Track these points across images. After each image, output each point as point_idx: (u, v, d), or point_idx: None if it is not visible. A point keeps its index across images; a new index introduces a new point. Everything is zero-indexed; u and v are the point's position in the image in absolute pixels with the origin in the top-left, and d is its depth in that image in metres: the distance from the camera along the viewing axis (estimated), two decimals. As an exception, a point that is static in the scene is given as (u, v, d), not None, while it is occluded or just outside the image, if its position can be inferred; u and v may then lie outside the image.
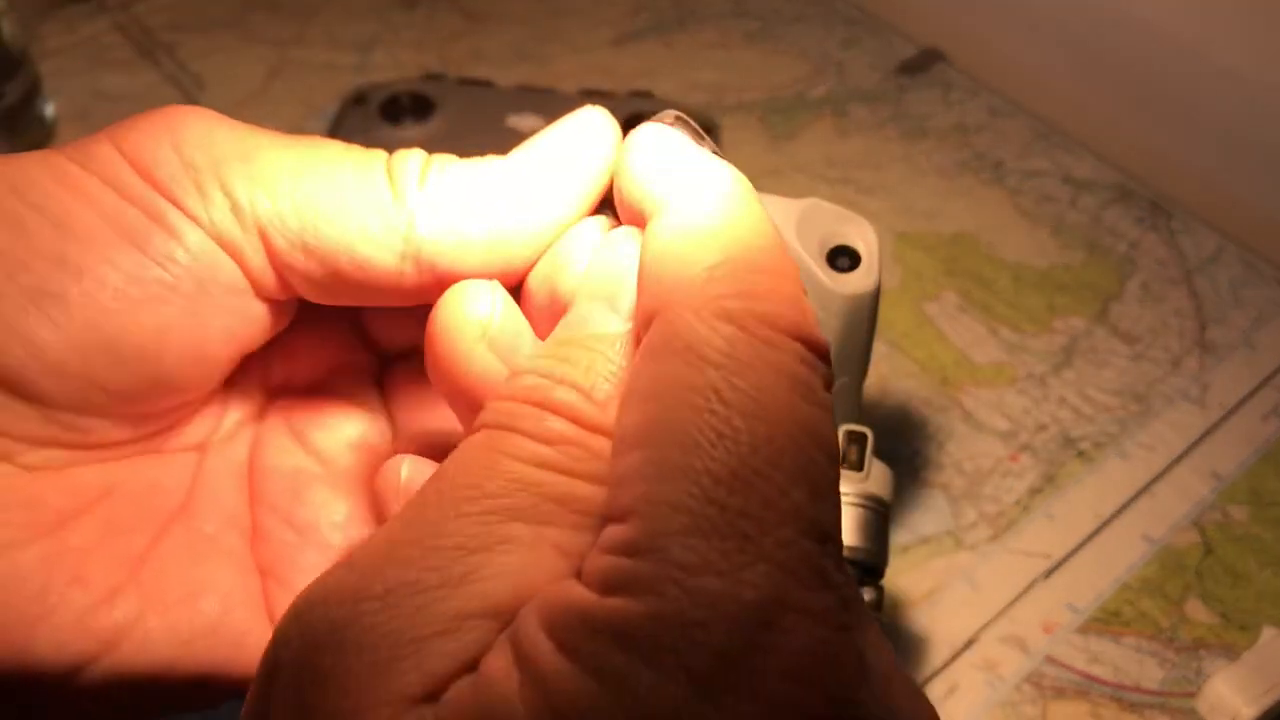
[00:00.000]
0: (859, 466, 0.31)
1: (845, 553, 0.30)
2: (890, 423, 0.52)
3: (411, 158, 0.23)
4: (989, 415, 0.53)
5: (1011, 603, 0.46)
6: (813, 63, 0.70)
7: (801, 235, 0.29)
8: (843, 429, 0.31)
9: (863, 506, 0.31)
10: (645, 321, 0.19)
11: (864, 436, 0.31)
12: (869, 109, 0.67)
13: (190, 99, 0.66)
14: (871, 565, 0.30)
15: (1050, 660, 0.45)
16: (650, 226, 0.20)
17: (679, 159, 0.21)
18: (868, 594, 0.30)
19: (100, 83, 0.67)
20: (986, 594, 0.47)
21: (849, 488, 0.31)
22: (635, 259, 0.20)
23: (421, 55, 0.70)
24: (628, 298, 0.20)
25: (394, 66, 0.69)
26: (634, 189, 0.21)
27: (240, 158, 0.22)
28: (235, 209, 0.22)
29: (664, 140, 0.22)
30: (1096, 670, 0.44)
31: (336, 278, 0.23)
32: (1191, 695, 0.44)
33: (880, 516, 0.31)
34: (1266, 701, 0.42)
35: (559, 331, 0.21)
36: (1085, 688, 0.44)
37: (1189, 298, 0.57)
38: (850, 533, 0.30)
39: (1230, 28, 0.62)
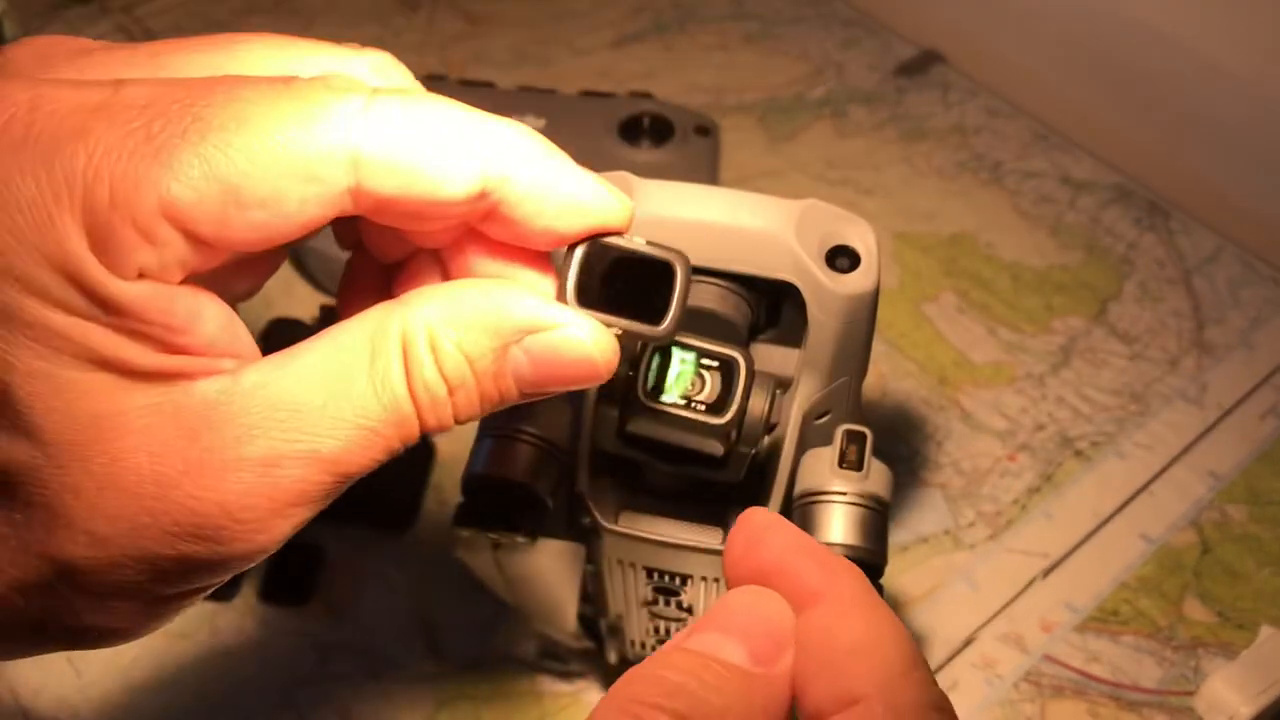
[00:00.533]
0: (858, 466, 0.31)
1: (845, 552, 0.30)
2: (889, 422, 0.52)
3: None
4: (987, 415, 0.53)
5: (1010, 602, 0.47)
6: (812, 64, 0.70)
7: (800, 236, 0.29)
8: (842, 429, 0.32)
9: (862, 506, 0.31)
10: (837, 699, 0.20)
11: (863, 436, 0.31)
12: (868, 110, 0.67)
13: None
14: (871, 564, 0.31)
15: (1048, 659, 0.45)
16: (828, 616, 0.21)
17: (808, 544, 0.22)
18: None
19: (103, 85, 0.68)
20: (985, 593, 0.47)
21: (848, 487, 0.31)
22: (777, 616, 0.21)
23: (423, 58, 0.70)
24: (758, 646, 0.21)
25: (395, 68, 0.69)
26: (780, 571, 0.22)
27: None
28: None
29: (781, 524, 0.23)
30: (1095, 669, 0.45)
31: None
32: (1190, 694, 0.44)
33: (879, 516, 0.31)
34: (1264, 700, 0.42)
35: (688, 646, 0.21)
36: (1083, 686, 0.44)
37: (1187, 298, 0.58)
38: (849, 532, 0.30)
39: (1228, 29, 0.62)
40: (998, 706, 0.44)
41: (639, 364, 0.29)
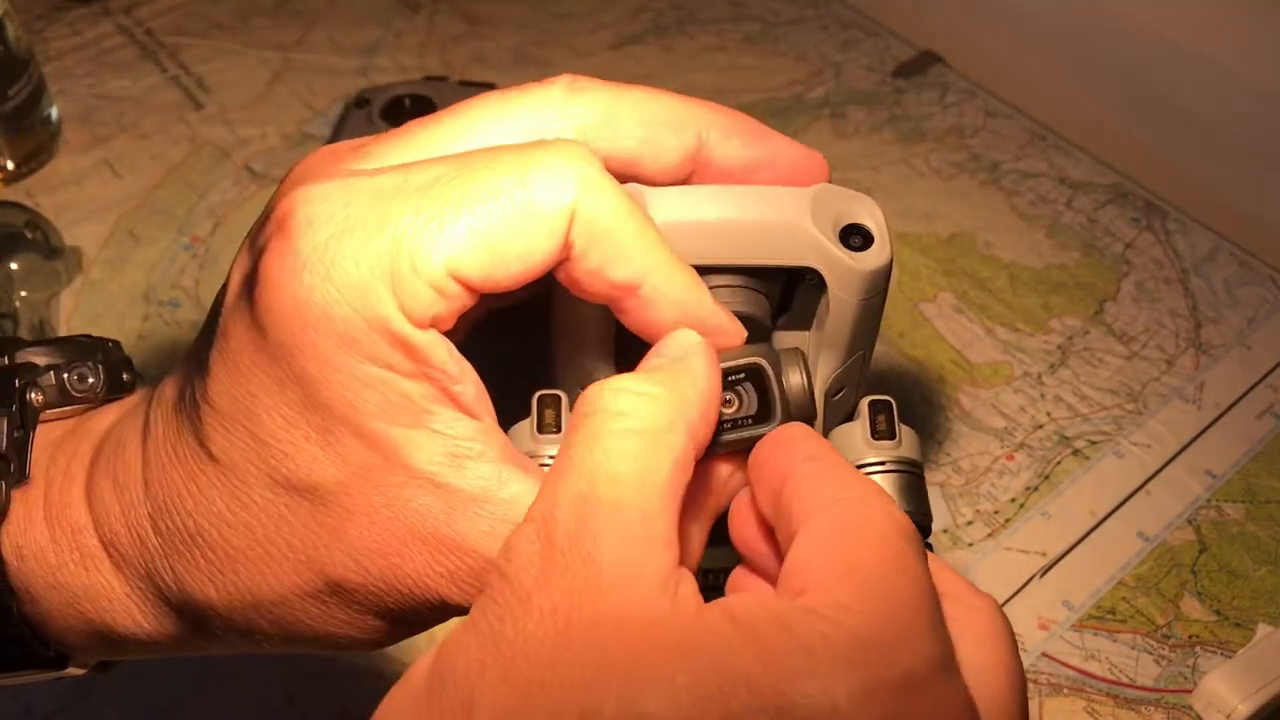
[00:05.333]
0: (890, 434, 0.31)
1: None
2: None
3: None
4: (985, 414, 0.53)
5: (1007, 600, 0.47)
6: (811, 65, 0.70)
7: (817, 220, 0.30)
8: (866, 400, 0.32)
9: (901, 472, 0.31)
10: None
11: (889, 404, 0.32)
12: (866, 111, 0.67)
13: (194, 102, 0.67)
14: (919, 525, 0.31)
15: (1046, 657, 0.45)
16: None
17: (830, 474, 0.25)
18: None
19: (104, 85, 0.68)
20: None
21: (884, 455, 0.31)
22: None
23: (423, 59, 0.70)
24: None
25: (396, 70, 0.69)
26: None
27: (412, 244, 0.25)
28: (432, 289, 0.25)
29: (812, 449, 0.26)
30: (1092, 667, 0.45)
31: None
32: (1187, 692, 0.44)
33: (917, 478, 0.31)
34: (1261, 698, 0.43)
35: None
36: (1081, 684, 0.44)
37: (1184, 297, 0.58)
38: (896, 499, 0.31)
39: (1225, 30, 0.63)
40: (996, 704, 0.44)
41: None
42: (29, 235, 0.56)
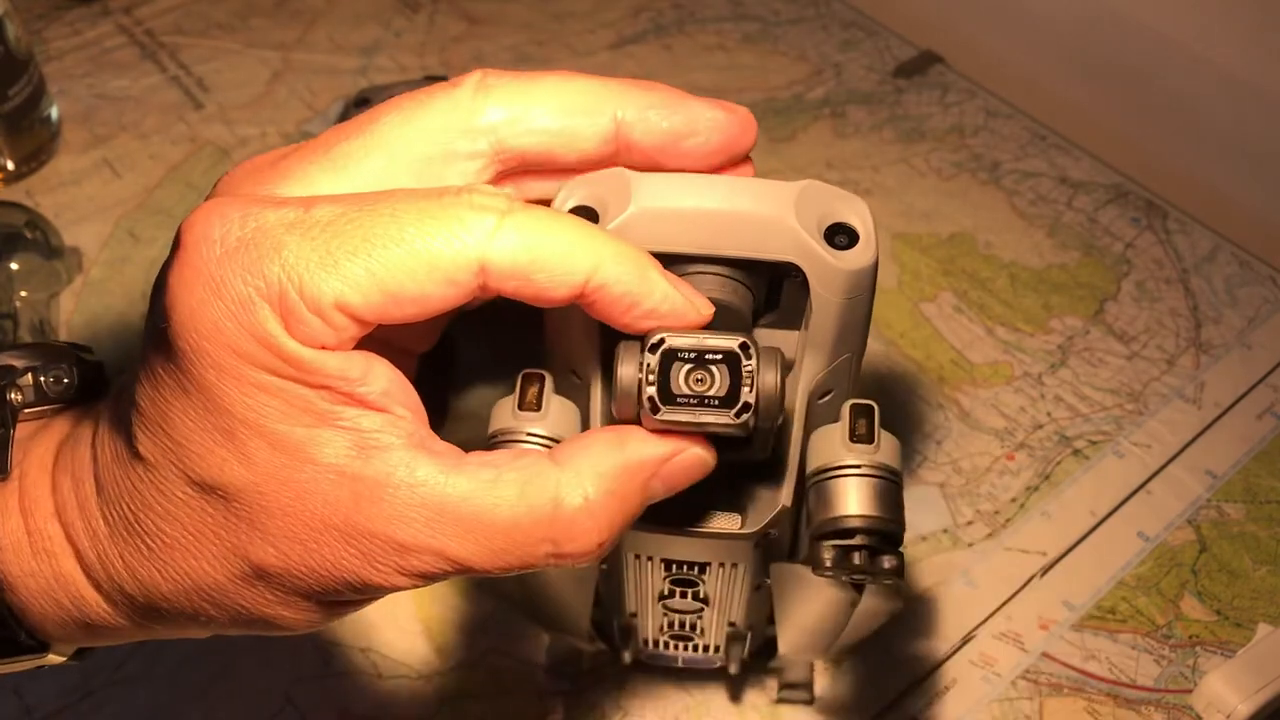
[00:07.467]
0: (869, 439, 0.31)
1: (864, 523, 0.31)
2: (887, 422, 0.52)
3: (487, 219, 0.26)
4: (986, 414, 0.53)
5: (1008, 600, 0.47)
6: (811, 65, 0.70)
7: (800, 216, 0.30)
8: (849, 403, 0.32)
9: (877, 477, 0.31)
10: None
11: (871, 409, 0.32)
12: (867, 111, 0.67)
13: (193, 102, 0.67)
14: (890, 533, 0.31)
15: (1046, 657, 0.45)
16: None
17: None
18: (889, 562, 0.31)
19: (104, 85, 0.68)
20: (983, 591, 0.47)
21: (861, 460, 0.31)
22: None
23: (423, 58, 0.70)
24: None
25: (396, 69, 0.69)
26: None
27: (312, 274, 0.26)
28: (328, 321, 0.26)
29: None
30: (1092, 667, 0.45)
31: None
32: (1187, 692, 0.44)
33: (894, 485, 0.31)
34: (1262, 698, 0.43)
35: None
36: (1081, 684, 0.44)
37: (1184, 297, 0.58)
38: (867, 503, 0.31)
39: (1226, 30, 0.63)
40: (996, 704, 0.44)
41: (643, 378, 0.29)
42: (29, 235, 0.56)
